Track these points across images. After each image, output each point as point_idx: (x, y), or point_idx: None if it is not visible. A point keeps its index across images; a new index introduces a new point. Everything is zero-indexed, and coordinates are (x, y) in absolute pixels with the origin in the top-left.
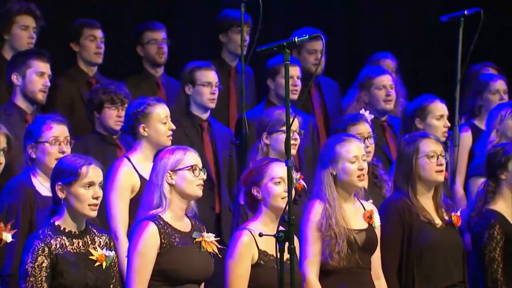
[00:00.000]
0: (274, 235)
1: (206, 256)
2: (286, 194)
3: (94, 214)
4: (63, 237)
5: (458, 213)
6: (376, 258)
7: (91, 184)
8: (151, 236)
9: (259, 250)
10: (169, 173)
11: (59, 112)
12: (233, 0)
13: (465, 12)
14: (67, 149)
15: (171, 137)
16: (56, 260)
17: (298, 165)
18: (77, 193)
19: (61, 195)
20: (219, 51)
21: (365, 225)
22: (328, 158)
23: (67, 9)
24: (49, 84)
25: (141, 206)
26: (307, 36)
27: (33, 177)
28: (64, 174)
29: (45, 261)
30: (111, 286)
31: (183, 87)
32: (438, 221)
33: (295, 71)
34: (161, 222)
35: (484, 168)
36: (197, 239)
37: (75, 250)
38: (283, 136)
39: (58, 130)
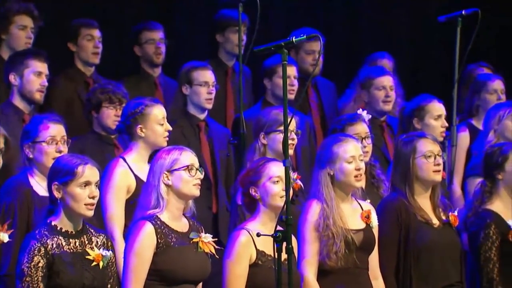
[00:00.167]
0: (271, 235)
1: (203, 256)
2: (285, 193)
3: (90, 213)
4: (60, 237)
5: (456, 213)
6: (373, 258)
7: (87, 183)
8: (147, 236)
9: (257, 250)
10: (166, 174)
11: (56, 111)
12: (231, 0)
13: (463, 12)
14: (64, 149)
15: (167, 138)
16: (52, 260)
17: (295, 165)
18: (74, 193)
19: (57, 194)
20: (216, 51)
21: (362, 225)
22: (326, 158)
23: (67, 9)
24: (46, 84)
25: (139, 207)
26: (305, 36)
27: (30, 177)
28: (60, 174)
29: (41, 261)
30: (109, 286)
31: (180, 87)
32: (435, 221)
33: (291, 71)
34: (158, 222)
35: (481, 168)
36: (194, 240)
37: (71, 250)
38: (280, 136)
39: (55, 130)
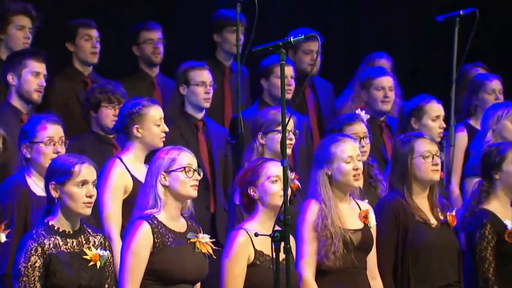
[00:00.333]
0: (269, 235)
1: (200, 257)
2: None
3: (88, 211)
4: (57, 237)
5: (453, 213)
6: (371, 258)
7: (84, 182)
8: (144, 236)
9: (255, 250)
10: (163, 174)
11: (54, 111)
12: (229, 0)
13: (461, 12)
14: (62, 150)
15: (163, 139)
16: (49, 260)
17: (292, 165)
18: (71, 192)
19: (54, 194)
20: (214, 51)
21: (360, 225)
22: (323, 158)
23: (67, 9)
24: (44, 84)
25: (137, 207)
26: (303, 36)
27: (28, 177)
28: (58, 173)
29: (38, 261)
30: (106, 285)
31: (178, 87)
32: (433, 221)
33: (288, 70)
34: (155, 222)
35: (479, 168)
36: (191, 240)
37: (68, 250)
38: (278, 136)
39: (53, 131)
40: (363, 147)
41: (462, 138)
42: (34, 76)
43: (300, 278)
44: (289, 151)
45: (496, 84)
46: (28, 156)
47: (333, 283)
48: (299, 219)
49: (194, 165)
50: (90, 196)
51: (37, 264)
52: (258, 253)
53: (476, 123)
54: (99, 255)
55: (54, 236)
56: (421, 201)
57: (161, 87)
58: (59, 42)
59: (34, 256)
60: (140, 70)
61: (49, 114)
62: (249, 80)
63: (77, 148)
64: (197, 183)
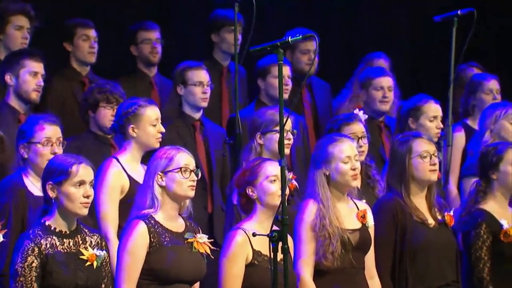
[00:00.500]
0: (267, 235)
1: (197, 257)
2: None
3: (85, 211)
4: (54, 237)
5: (451, 213)
6: (370, 258)
7: (81, 183)
8: (140, 235)
9: (253, 250)
10: (160, 175)
11: (51, 111)
12: (227, 0)
13: (459, 12)
14: (59, 150)
15: (159, 140)
16: (46, 260)
17: (290, 165)
18: (68, 192)
19: (52, 194)
20: (212, 51)
21: (358, 225)
22: (321, 158)
23: (66, 9)
24: (42, 83)
25: (135, 207)
26: (301, 36)
27: (25, 177)
28: (55, 174)
29: (35, 261)
30: (103, 285)
31: (175, 88)
32: (431, 221)
33: (285, 70)
34: (152, 222)
35: (477, 167)
36: (189, 240)
37: (65, 250)
38: (277, 136)
39: (51, 131)
40: (361, 147)
41: (459, 138)
42: (32, 76)
43: (298, 278)
44: (287, 151)
45: (493, 84)
46: (26, 156)
47: (331, 283)
48: (297, 219)
49: (192, 165)
50: (88, 197)
51: (34, 264)
52: (256, 253)
53: (473, 123)
54: (95, 255)
55: (51, 236)
56: (419, 201)
57: (159, 87)
58: (57, 42)
59: (31, 256)
60: (138, 70)
61: (47, 114)
62: (247, 80)
63: (75, 148)
64: (194, 183)
